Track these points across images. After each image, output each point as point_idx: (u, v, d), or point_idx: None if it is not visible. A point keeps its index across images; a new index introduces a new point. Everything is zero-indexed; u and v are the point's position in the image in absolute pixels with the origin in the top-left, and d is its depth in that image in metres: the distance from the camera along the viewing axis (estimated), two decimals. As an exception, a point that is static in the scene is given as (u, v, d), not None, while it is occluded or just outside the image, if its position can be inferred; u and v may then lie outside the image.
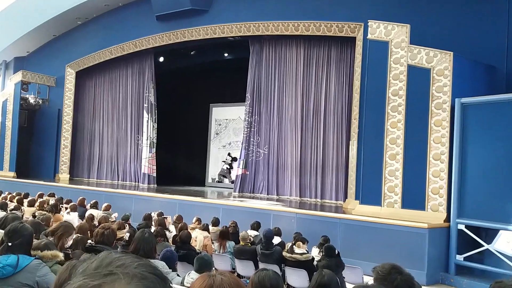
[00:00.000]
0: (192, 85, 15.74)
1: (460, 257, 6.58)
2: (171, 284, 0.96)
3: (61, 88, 15.35)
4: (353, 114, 9.62)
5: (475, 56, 7.57)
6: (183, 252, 4.78)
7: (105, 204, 7.85)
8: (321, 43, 10.73)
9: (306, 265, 4.87)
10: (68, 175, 15.31)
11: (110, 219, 6.50)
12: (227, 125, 15.38)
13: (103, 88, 15.44)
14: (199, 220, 7.01)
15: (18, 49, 16.67)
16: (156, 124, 13.94)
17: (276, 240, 5.96)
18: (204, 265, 3.44)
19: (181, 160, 16.25)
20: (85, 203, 8.41)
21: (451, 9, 8.40)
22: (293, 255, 4.95)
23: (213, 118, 15.73)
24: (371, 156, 7.61)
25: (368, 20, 7.92)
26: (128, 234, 4.97)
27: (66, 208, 7.51)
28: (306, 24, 10.19)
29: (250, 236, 5.93)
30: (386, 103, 7.39)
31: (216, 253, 5.78)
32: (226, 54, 13.50)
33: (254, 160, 11.60)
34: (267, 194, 11.28)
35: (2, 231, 2.83)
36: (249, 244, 5.61)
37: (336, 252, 5.06)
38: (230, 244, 5.93)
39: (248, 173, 11.55)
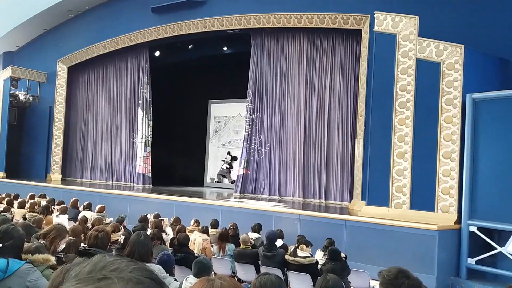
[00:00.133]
0: (190, 80, 15.53)
1: (471, 261, 6.48)
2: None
3: (53, 84, 15.09)
4: (359, 110, 9.48)
5: (487, 49, 7.49)
6: (181, 255, 4.72)
7: (99, 206, 7.78)
8: (325, 36, 10.54)
9: (309, 269, 4.83)
10: (60, 175, 15.06)
11: (104, 221, 6.49)
12: (227, 122, 15.05)
13: (96, 84, 15.21)
14: (197, 222, 6.95)
15: (7, 43, 16.38)
16: (151, 121, 13.63)
17: (279, 242, 5.91)
18: (202, 269, 3.39)
19: (178, 159, 16.06)
20: (78, 205, 8.31)
21: (462, 0, 8.31)
22: (296, 259, 4.90)
23: (211, 115, 15.42)
24: (378, 154, 7.51)
25: (375, 12, 7.84)
26: (123, 237, 4.86)
27: (58, 210, 7.42)
28: (309, 16, 10.04)
29: (251, 238, 5.89)
30: (394, 99, 7.31)
31: (215, 256, 5.73)
32: (225, 48, 13.31)
33: (256, 159, 11.39)
34: (269, 195, 11.10)
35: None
36: (250, 247, 5.56)
37: (343, 256, 5.00)
38: (230, 247, 5.88)
39: (249, 172, 11.27)
